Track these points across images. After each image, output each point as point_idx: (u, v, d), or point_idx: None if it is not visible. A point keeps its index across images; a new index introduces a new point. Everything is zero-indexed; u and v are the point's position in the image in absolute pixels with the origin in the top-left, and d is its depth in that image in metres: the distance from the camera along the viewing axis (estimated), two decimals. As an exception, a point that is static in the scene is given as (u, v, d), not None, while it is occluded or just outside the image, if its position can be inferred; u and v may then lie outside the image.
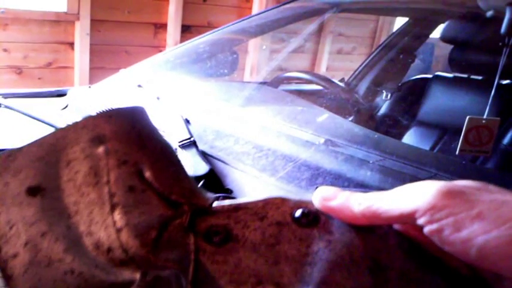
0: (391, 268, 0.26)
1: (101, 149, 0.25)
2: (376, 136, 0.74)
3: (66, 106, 0.89)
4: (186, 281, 0.25)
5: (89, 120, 0.26)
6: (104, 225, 0.25)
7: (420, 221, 0.24)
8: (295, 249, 0.26)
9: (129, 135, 0.26)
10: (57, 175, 0.25)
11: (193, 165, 0.60)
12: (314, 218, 0.27)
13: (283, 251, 0.25)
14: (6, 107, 0.85)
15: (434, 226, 0.24)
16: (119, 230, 0.25)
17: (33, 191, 0.24)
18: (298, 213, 0.27)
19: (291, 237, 0.26)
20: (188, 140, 0.65)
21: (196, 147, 0.65)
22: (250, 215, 0.27)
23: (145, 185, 0.26)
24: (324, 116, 0.84)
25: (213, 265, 0.25)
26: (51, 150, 0.25)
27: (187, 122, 0.72)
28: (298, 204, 0.28)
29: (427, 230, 0.24)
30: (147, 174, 0.26)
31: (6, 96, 0.91)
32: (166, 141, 0.28)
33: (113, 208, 0.25)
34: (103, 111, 0.26)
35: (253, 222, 0.27)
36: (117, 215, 0.25)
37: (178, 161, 0.28)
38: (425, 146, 1.29)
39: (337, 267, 0.25)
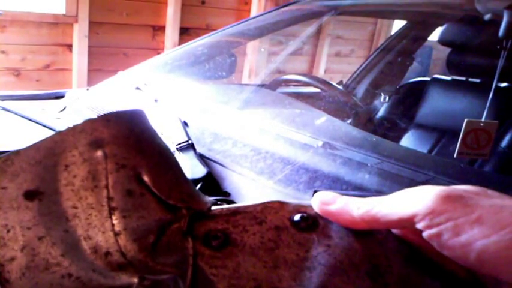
0: (390, 272, 0.26)
1: (99, 153, 0.25)
2: (374, 139, 0.74)
3: (64, 108, 0.89)
4: (184, 286, 0.25)
5: (87, 124, 0.26)
6: (102, 229, 0.24)
7: (419, 225, 0.24)
8: (294, 253, 0.25)
9: (127, 139, 0.26)
10: (55, 179, 0.25)
11: (191, 168, 0.60)
12: (313, 223, 0.27)
13: (282, 256, 0.25)
14: (3, 109, 0.84)
15: (433, 230, 0.24)
16: (117, 234, 0.24)
17: (30, 195, 0.24)
18: (297, 217, 0.27)
19: (289, 241, 0.26)
20: (186, 143, 0.65)
21: (194, 149, 0.64)
22: (249, 219, 0.27)
23: (143, 189, 0.25)
24: (322, 119, 0.84)
25: (211, 269, 0.25)
26: (49, 154, 0.25)
27: (185, 124, 0.72)
28: (297, 208, 0.28)
29: (426, 234, 0.24)
30: (146, 178, 0.26)
31: (3, 98, 0.91)
32: (165, 145, 0.28)
33: (111, 212, 0.25)
34: (101, 114, 0.26)
35: (251, 227, 0.26)
36: (116, 219, 0.25)
37: (178, 165, 0.28)
38: (423, 149, 1.29)
39: (336, 272, 0.25)
